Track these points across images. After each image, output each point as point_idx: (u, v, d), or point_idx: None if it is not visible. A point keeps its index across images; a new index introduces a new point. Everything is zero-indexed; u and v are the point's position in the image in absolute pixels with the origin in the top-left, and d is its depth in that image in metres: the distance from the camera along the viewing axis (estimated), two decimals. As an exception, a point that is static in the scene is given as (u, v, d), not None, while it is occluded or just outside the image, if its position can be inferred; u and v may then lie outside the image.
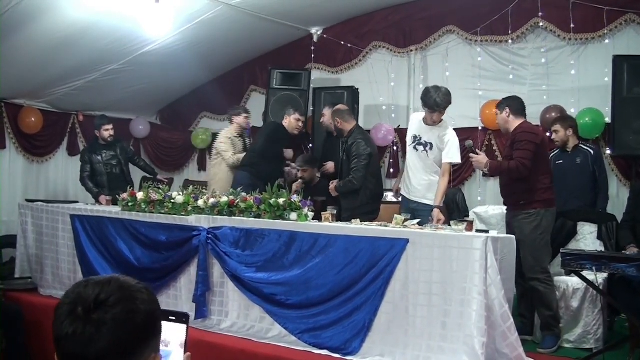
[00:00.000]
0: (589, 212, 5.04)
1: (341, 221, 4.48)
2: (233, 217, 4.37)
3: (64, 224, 5.34)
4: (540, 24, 6.15)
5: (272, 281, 4.07)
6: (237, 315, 4.27)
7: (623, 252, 4.24)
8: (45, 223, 5.50)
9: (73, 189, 7.33)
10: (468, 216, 5.29)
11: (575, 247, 4.71)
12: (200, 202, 4.54)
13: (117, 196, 5.19)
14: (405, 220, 4.01)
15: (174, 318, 1.45)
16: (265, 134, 5.90)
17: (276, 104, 6.94)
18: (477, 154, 4.48)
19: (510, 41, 6.32)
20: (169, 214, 4.66)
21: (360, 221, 4.15)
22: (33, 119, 7.05)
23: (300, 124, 5.84)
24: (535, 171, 4.27)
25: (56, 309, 1.17)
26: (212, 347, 3.98)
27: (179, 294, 4.57)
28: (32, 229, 5.60)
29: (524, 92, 5.79)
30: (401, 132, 6.54)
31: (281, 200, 4.20)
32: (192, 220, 4.52)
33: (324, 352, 3.75)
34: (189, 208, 4.60)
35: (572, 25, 5.88)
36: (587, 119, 5.71)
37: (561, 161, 5.25)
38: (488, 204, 5.89)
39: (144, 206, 4.81)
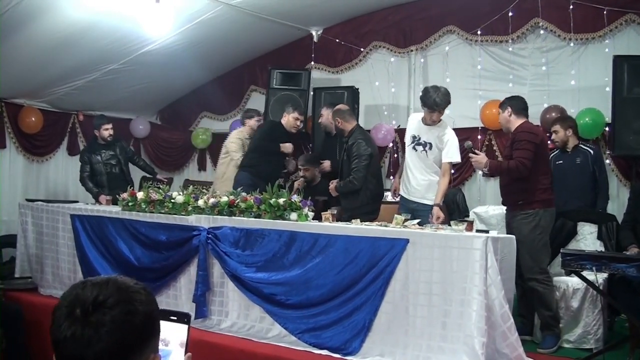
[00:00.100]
0: (589, 212, 5.04)
1: (341, 221, 4.48)
2: (233, 217, 4.37)
3: (64, 224, 5.35)
4: (541, 24, 6.15)
5: (272, 281, 4.07)
6: (237, 315, 4.27)
7: (624, 252, 4.24)
8: (45, 223, 5.51)
9: (73, 188, 7.33)
10: (468, 216, 5.29)
11: (575, 247, 4.71)
12: (201, 202, 4.54)
13: (117, 196, 5.20)
14: (406, 220, 4.01)
15: (175, 318, 1.45)
16: (261, 133, 5.89)
17: (276, 104, 6.94)
18: (476, 154, 4.48)
19: (510, 41, 6.32)
20: (169, 213, 4.67)
21: (361, 221, 4.15)
22: (33, 119, 7.05)
23: (298, 122, 5.84)
24: (534, 171, 4.27)
25: (54, 311, 1.17)
26: (212, 347, 3.98)
27: (179, 294, 4.57)
28: (32, 229, 5.60)
29: (524, 92, 5.78)
30: (401, 132, 6.53)
31: (281, 200, 4.20)
32: (192, 220, 4.52)
33: (324, 352, 3.75)
34: (189, 208, 4.60)
35: (572, 25, 5.88)
36: (587, 119, 5.71)
37: (561, 161, 5.25)
38: (488, 204, 5.89)
39: (144, 206, 4.81)
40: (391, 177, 6.75)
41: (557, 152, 5.30)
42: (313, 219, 4.25)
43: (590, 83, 5.90)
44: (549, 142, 5.17)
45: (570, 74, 5.98)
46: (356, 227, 3.94)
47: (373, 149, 5.12)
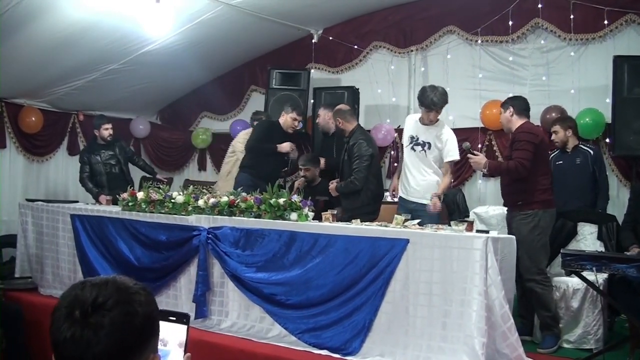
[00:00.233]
0: (589, 213, 5.04)
1: (341, 221, 4.48)
2: (233, 217, 4.37)
3: (64, 224, 5.35)
4: (541, 25, 6.15)
5: (272, 281, 4.07)
6: (237, 315, 4.27)
7: (625, 252, 4.24)
8: (45, 222, 5.51)
9: (73, 188, 7.33)
10: (468, 216, 5.29)
11: (576, 247, 4.71)
12: (201, 202, 4.54)
13: (117, 196, 5.20)
14: (406, 220, 4.01)
15: (174, 318, 1.45)
16: (256, 133, 5.88)
17: (275, 104, 6.94)
18: (474, 154, 4.48)
19: (510, 41, 6.32)
20: (169, 213, 4.67)
21: (361, 221, 4.15)
22: (33, 119, 7.05)
23: (296, 123, 5.80)
24: (534, 172, 4.27)
25: (53, 312, 1.16)
26: (212, 347, 3.98)
27: (179, 294, 4.58)
28: (32, 229, 5.60)
29: (525, 92, 5.78)
30: (401, 132, 6.52)
31: (281, 200, 4.20)
32: (192, 220, 4.52)
33: (324, 352, 3.75)
34: (189, 208, 4.60)
35: (572, 25, 5.88)
36: (587, 119, 5.71)
37: (561, 162, 5.25)
38: (488, 204, 5.88)
39: (144, 206, 4.81)
40: (391, 178, 6.77)
41: (557, 152, 5.30)
42: (313, 219, 4.25)
43: (590, 83, 5.90)
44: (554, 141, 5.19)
45: (571, 74, 5.98)
46: (356, 227, 3.95)
47: (374, 150, 5.12)
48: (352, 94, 6.76)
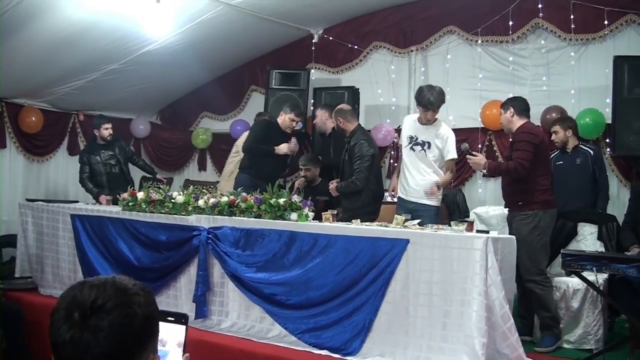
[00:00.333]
0: (589, 213, 5.03)
1: (341, 221, 4.48)
2: (233, 217, 4.37)
3: (64, 224, 5.35)
4: (541, 25, 6.15)
5: (272, 281, 4.07)
6: (237, 315, 4.27)
7: (625, 253, 4.24)
8: (45, 222, 5.51)
9: (73, 188, 7.32)
10: (468, 216, 5.29)
11: (576, 247, 4.71)
12: (201, 202, 4.54)
13: (117, 196, 5.19)
14: (406, 220, 4.01)
15: (172, 319, 1.45)
16: (253, 133, 5.87)
17: (275, 104, 6.93)
18: (474, 155, 4.48)
19: (510, 41, 6.32)
20: (169, 213, 4.67)
21: (361, 221, 4.15)
22: (33, 119, 7.05)
23: (294, 123, 5.79)
24: (534, 172, 4.26)
25: (52, 313, 1.16)
26: (212, 347, 3.98)
27: (179, 294, 4.57)
28: (33, 229, 5.60)
29: (525, 93, 5.78)
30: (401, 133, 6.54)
31: (281, 200, 4.20)
32: (193, 220, 4.52)
33: (324, 352, 3.75)
34: (189, 208, 4.60)
35: (572, 25, 5.88)
36: (587, 120, 5.71)
37: (561, 162, 5.25)
38: (488, 205, 5.89)
39: (144, 206, 4.81)
40: (391, 178, 6.77)
41: (557, 152, 5.30)
42: (313, 219, 4.25)
43: (590, 83, 5.90)
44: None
45: (571, 74, 5.98)
46: (356, 228, 3.94)
47: (375, 150, 5.12)
48: (352, 94, 6.76)
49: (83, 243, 5.13)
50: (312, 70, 7.37)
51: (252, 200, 4.30)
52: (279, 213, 4.21)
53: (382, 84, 7.08)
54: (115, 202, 5.52)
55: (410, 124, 4.97)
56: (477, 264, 3.30)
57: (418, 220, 4.11)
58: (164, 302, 4.58)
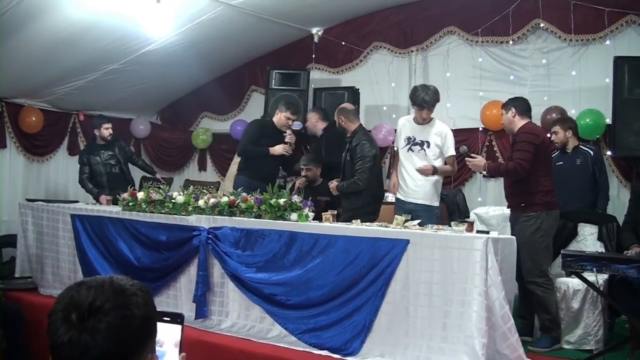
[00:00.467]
0: (589, 213, 5.03)
1: (342, 221, 4.48)
2: (233, 217, 4.37)
3: (64, 224, 5.35)
4: (541, 25, 6.15)
5: (272, 281, 4.07)
6: (237, 315, 4.27)
7: (625, 252, 4.24)
8: (45, 222, 5.50)
9: (73, 188, 7.32)
10: (468, 217, 5.29)
11: (576, 248, 4.71)
12: (201, 202, 4.54)
13: (117, 196, 5.19)
14: (406, 220, 4.01)
15: (168, 319, 1.45)
16: (246, 135, 5.86)
17: (275, 105, 6.91)
18: (472, 157, 4.47)
19: (511, 42, 6.32)
20: (170, 213, 4.66)
21: (361, 222, 4.15)
22: (33, 119, 7.05)
23: (290, 122, 5.74)
24: (535, 173, 4.25)
25: (50, 314, 1.16)
26: (212, 347, 3.98)
27: (179, 294, 4.57)
28: (33, 229, 5.60)
29: (525, 93, 5.78)
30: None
31: (282, 201, 4.20)
32: (193, 220, 4.52)
33: (324, 352, 3.75)
34: (190, 208, 4.60)
35: (572, 26, 5.88)
36: (587, 120, 5.71)
37: (561, 162, 5.25)
38: (488, 205, 5.89)
39: (144, 206, 4.81)
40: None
41: (557, 153, 5.30)
42: (313, 219, 4.25)
43: (590, 84, 5.90)
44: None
45: (571, 74, 5.98)
46: (356, 228, 3.94)
47: (376, 150, 5.12)
48: (353, 94, 6.75)
49: (83, 243, 5.13)
50: (312, 71, 7.37)
51: (252, 201, 4.30)
52: (279, 213, 4.21)
53: (382, 84, 7.08)
54: (115, 202, 5.52)
55: (406, 125, 4.98)
56: (477, 265, 3.30)
57: (418, 221, 4.10)
58: (164, 302, 4.58)
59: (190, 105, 8.61)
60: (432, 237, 3.56)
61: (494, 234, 3.70)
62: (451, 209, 5.78)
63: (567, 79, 6.01)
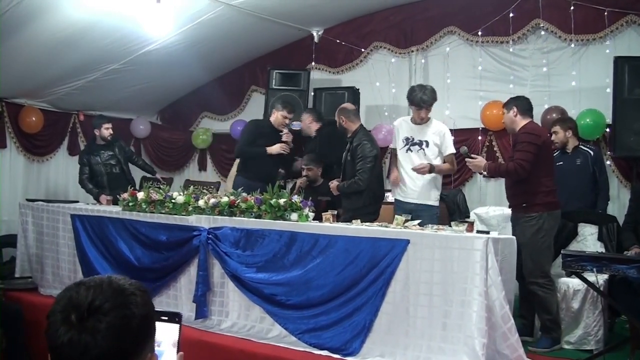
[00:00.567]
0: (589, 213, 5.03)
1: (342, 221, 4.48)
2: (233, 217, 4.37)
3: (64, 224, 5.35)
4: (541, 25, 6.15)
5: (272, 281, 4.07)
6: (237, 315, 4.27)
7: (625, 253, 4.24)
8: (45, 222, 5.51)
9: (73, 188, 7.32)
10: (469, 217, 5.29)
11: (576, 248, 4.70)
12: (201, 202, 4.54)
13: (118, 196, 5.19)
14: (406, 220, 4.01)
15: (166, 318, 1.45)
16: (243, 137, 5.86)
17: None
18: (473, 158, 4.47)
19: (511, 42, 6.32)
20: (170, 213, 4.66)
21: (361, 222, 4.15)
22: (34, 119, 7.05)
23: (287, 121, 5.73)
24: (536, 174, 4.24)
25: (49, 315, 1.15)
26: (212, 347, 3.98)
27: (179, 294, 4.57)
28: (33, 229, 5.60)
29: (525, 93, 5.73)
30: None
31: (282, 201, 4.20)
32: (193, 220, 4.52)
33: (324, 352, 3.75)
34: (190, 208, 4.60)
35: (572, 26, 5.88)
36: (587, 120, 5.71)
37: (561, 162, 5.24)
38: (489, 205, 5.88)
39: (144, 206, 4.81)
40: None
41: (557, 153, 5.29)
42: (314, 219, 4.24)
43: (590, 84, 5.89)
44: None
45: (571, 75, 5.98)
46: (357, 228, 3.94)
47: (377, 151, 5.12)
48: (353, 94, 6.75)
49: (83, 243, 5.13)
50: (313, 71, 7.37)
51: (252, 201, 4.30)
52: (279, 213, 4.21)
53: (382, 84, 7.08)
54: (115, 202, 5.52)
55: (403, 125, 4.99)
56: (478, 265, 3.30)
57: (418, 221, 4.11)
58: (164, 302, 4.58)
59: (191, 105, 8.61)
60: (432, 237, 3.56)
61: (494, 234, 3.70)
62: (451, 209, 5.78)
63: (567, 79, 6.01)
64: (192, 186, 5.21)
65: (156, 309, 1.26)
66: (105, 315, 1.12)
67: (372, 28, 7.22)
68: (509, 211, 4.63)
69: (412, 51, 6.94)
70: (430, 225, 3.99)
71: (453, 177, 6.37)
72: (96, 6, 5.49)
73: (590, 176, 5.22)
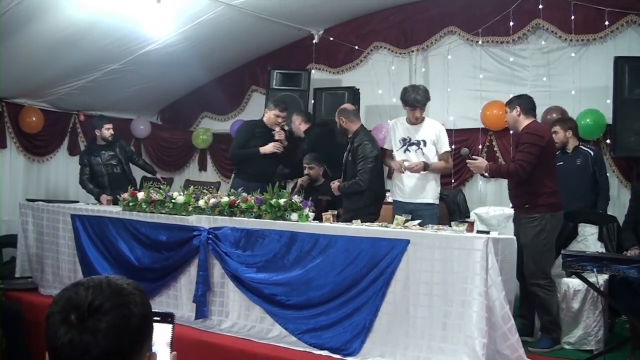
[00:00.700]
0: (589, 214, 5.03)
1: (343, 221, 4.48)
2: (234, 217, 4.37)
3: (64, 224, 5.35)
4: (542, 25, 6.14)
5: (272, 281, 4.07)
6: (237, 315, 4.27)
7: (625, 252, 4.24)
8: (45, 222, 5.51)
9: (73, 188, 7.31)
10: (469, 217, 5.29)
11: (576, 248, 4.70)
12: (201, 202, 4.54)
13: (118, 196, 5.19)
14: (406, 220, 4.01)
15: (159, 319, 1.45)
16: (236, 139, 5.86)
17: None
18: (474, 159, 4.46)
19: (511, 42, 6.31)
20: (170, 213, 4.67)
21: (361, 222, 4.15)
22: (34, 119, 7.05)
23: (279, 120, 5.75)
24: (538, 174, 4.22)
25: (48, 316, 1.15)
26: (212, 347, 3.98)
27: (179, 294, 4.57)
28: (33, 229, 5.60)
29: (525, 93, 5.78)
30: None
31: (282, 201, 4.20)
32: (193, 220, 4.52)
33: (324, 352, 3.75)
34: (190, 208, 4.60)
35: (573, 26, 5.87)
36: (588, 120, 5.70)
37: (561, 162, 5.23)
38: (489, 205, 5.87)
39: (144, 206, 4.81)
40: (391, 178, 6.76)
41: (557, 153, 5.28)
42: (314, 219, 4.24)
43: (591, 84, 5.89)
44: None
45: (571, 75, 5.97)
46: (357, 228, 3.94)
47: (378, 151, 5.12)
48: (353, 94, 6.75)
49: (83, 243, 5.13)
50: (313, 71, 7.37)
51: (252, 201, 4.31)
52: (280, 213, 4.21)
53: (382, 84, 7.07)
54: (115, 202, 5.52)
55: (398, 126, 5.02)
56: (478, 265, 3.30)
57: (418, 221, 4.11)
58: (164, 302, 4.59)
59: (191, 105, 8.61)
60: (432, 237, 3.56)
61: (494, 234, 3.70)
62: (451, 209, 5.78)
63: (567, 79, 6.00)
64: (192, 186, 5.21)
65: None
66: (106, 315, 1.13)
67: (372, 28, 7.21)
68: (509, 211, 4.63)
69: (412, 51, 6.93)
70: (430, 225, 3.99)
71: (453, 177, 6.37)
72: (96, 6, 5.49)
73: (590, 176, 5.22)
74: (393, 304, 3.59)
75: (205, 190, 4.83)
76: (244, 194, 4.44)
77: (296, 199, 4.21)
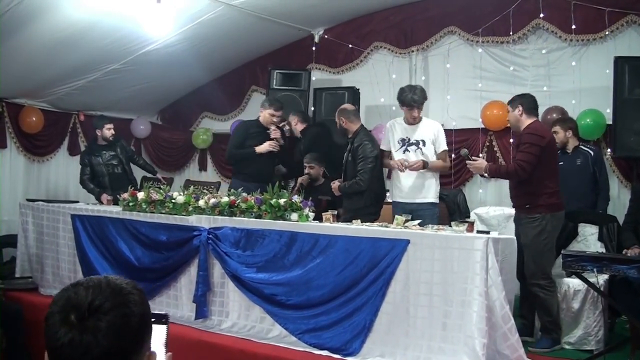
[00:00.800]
0: (589, 214, 5.03)
1: (343, 221, 4.48)
2: (234, 217, 4.37)
3: (64, 224, 5.35)
4: (542, 25, 6.14)
5: (272, 281, 4.07)
6: (237, 315, 4.27)
7: (625, 251, 4.24)
8: (45, 222, 5.51)
9: (74, 188, 7.32)
10: (469, 217, 5.29)
11: (577, 248, 4.70)
12: (201, 202, 4.54)
13: (118, 196, 5.19)
14: (406, 220, 4.01)
15: (153, 320, 1.45)
16: (231, 140, 5.87)
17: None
18: (473, 160, 4.46)
19: (511, 42, 6.31)
20: (170, 214, 4.67)
21: (362, 222, 4.15)
22: (34, 119, 7.05)
23: (274, 119, 5.75)
24: (540, 174, 4.22)
25: (47, 317, 1.15)
26: (212, 347, 3.98)
27: (179, 294, 4.57)
28: (33, 229, 5.60)
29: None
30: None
31: (282, 201, 4.20)
32: (193, 220, 4.52)
33: (325, 352, 3.76)
34: (190, 208, 4.60)
35: (573, 26, 5.87)
36: (588, 120, 5.70)
37: (561, 162, 5.22)
38: (489, 205, 5.87)
39: (144, 206, 4.81)
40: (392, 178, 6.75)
41: (557, 153, 5.29)
42: (314, 219, 4.24)
43: (591, 84, 5.89)
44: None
45: (571, 74, 5.97)
46: (357, 228, 3.94)
47: (378, 151, 5.12)
48: (353, 94, 6.75)
49: (83, 243, 5.13)
50: (313, 71, 7.37)
51: (252, 201, 4.31)
52: (280, 213, 4.21)
53: (382, 84, 7.06)
54: (116, 202, 5.52)
55: (396, 127, 5.02)
56: (478, 265, 3.30)
57: (418, 221, 4.11)
58: (164, 302, 4.59)
59: (191, 105, 8.61)
60: (432, 237, 3.56)
61: (494, 234, 3.70)
62: (451, 209, 5.78)
63: (567, 79, 6.00)
64: (192, 186, 5.22)
65: None
66: (106, 315, 1.13)
67: (372, 28, 7.21)
68: (509, 211, 4.62)
69: (413, 51, 6.93)
70: (430, 225, 3.99)
71: (453, 177, 6.37)
72: (96, 6, 5.49)
73: (590, 176, 5.22)
74: (393, 304, 3.59)
75: (205, 190, 4.83)
76: (244, 194, 4.44)
77: (296, 199, 4.21)
